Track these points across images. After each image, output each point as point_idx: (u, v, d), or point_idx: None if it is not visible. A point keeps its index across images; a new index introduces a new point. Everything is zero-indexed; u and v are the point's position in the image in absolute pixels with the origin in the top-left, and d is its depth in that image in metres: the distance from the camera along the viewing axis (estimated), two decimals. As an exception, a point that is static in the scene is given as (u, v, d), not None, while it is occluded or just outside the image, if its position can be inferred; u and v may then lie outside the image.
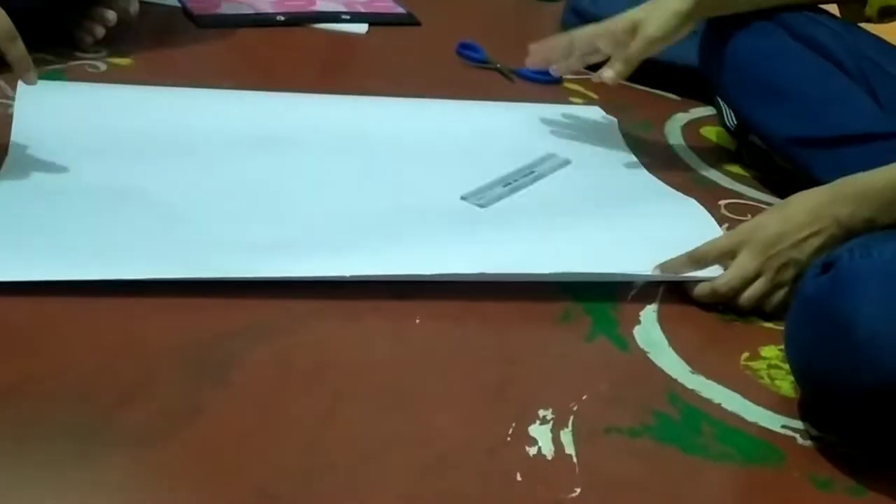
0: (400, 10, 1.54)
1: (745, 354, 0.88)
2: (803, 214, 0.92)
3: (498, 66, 1.40)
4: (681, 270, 0.93)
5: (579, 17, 1.45)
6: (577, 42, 1.17)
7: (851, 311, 0.71)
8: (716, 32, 1.20)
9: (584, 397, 0.79)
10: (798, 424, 0.80)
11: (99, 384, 0.71)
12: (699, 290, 0.92)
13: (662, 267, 0.94)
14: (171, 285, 0.80)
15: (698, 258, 0.93)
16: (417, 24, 1.52)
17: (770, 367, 0.86)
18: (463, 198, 1.04)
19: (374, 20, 1.49)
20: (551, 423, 0.76)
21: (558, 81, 1.36)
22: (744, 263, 0.91)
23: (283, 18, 1.44)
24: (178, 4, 1.41)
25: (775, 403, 0.82)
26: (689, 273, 0.93)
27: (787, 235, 0.91)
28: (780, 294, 0.92)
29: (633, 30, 1.12)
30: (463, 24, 1.53)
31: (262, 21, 1.42)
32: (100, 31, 1.23)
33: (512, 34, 1.53)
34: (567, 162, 1.14)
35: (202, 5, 1.43)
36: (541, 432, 0.75)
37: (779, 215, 0.93)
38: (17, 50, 0.93)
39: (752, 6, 1.16)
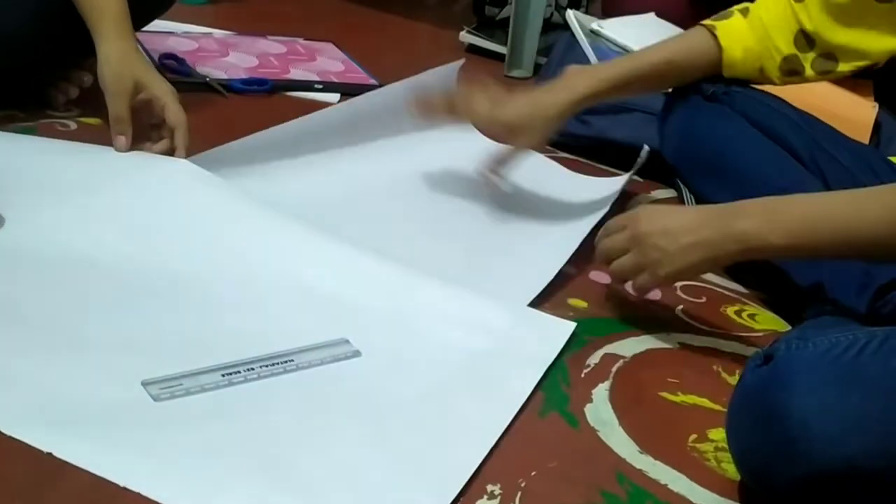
0: (372, 81, 1.57)
1: (693, 436, 0.89)
2: (693, 214, 0.99)
3: (206, 80, 1.44)
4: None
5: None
6: (458, 107, 1.17)
7: (785, 402, 0.73)
8: (674, 116, 1.24)
9: (532, 473, 0.80)
10: (742, 508, 0.81)
11: None
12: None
13: None
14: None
15: (603, 254, 1.04)
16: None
17: (717, 449, 0.87)
18: (144, 383, 0.80)
19: (346, 90, 1.52)
20: (499, 498, 0.77)
21: (270, 91, 1.45)
22: (622, 238, 1.01)
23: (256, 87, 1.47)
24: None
25: (721, 486, 0.83)
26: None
27: (668, 229, 0.97)
28: (643, 275, 0.99)
29: (510, 132, 1.15)
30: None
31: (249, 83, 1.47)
32: (74, 92, 1.25)
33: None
34: (355, 354, 0.90)
35: (174, 68, 1.45)
36: (487, 508, 0.75)
37: (672, 209, 1.02)
38: None
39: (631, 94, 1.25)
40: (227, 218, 1.04)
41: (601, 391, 0.93)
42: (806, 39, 1.18)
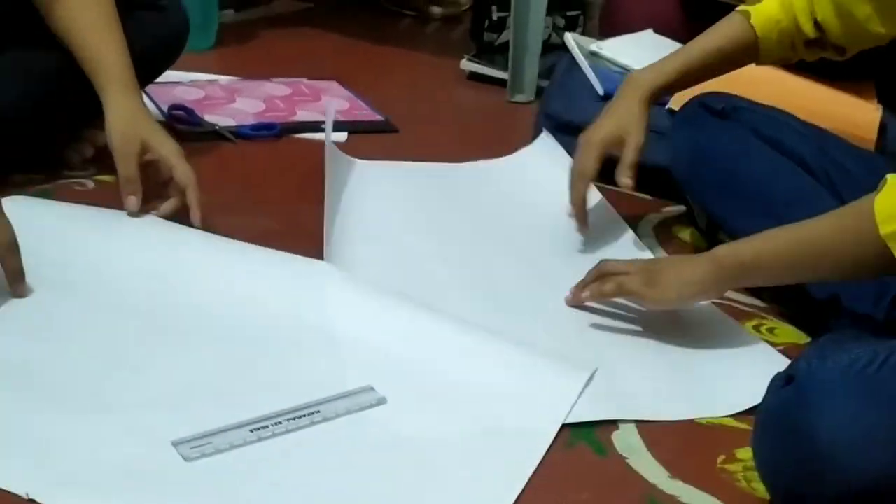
0: (378, 117, 1.59)
1: (722, 457, 0.90)
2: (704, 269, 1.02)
3: (216, 128, 1.45)
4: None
5: (552, 120, 1.50)
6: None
7: (810, 421, 0.75)
8: (683, 134, 1.25)
9: (564, 506, 0.81)
10: (775, 527, 0.82)
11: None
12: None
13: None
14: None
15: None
16: (395, 130, 1.57)
17: (746, 469, 0.88)
18: (175, 443, 0.82)
19: (353, 128, 1.53)
20: (533, 534, 0.78)
21: (278, 135, 1.47)
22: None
23: (278, 129, 1.48)
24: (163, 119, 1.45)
25: (752, 506, 0.84)
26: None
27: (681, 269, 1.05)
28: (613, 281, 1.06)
29: (620, 141, 1.20)
30: (439, 129, 1.58)
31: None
32: (88, 151, 1.28)
33: (491, 136, 1.58)
34: (380, 401, 0.90)
35: (182, 119, 1.46)
36: (523, 544, 0.76)
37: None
38: (15, 262, 0.97)
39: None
40: (246, 272, 1.06)
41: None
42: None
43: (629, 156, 1.20)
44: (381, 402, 0.91)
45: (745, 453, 0.90)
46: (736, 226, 1.19)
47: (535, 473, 0.85)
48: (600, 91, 1.51)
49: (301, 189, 1.32)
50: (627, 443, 0.90)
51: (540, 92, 1.75)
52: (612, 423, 0.93)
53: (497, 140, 1.53)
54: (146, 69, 1.28)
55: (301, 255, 1.11)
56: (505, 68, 1.79)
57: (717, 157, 1.23)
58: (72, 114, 1.24)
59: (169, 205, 1.13)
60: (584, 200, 1.22)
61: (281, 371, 0.93)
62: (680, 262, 1.08)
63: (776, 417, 0.79)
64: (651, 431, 0.92)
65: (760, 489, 0.85)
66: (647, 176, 1.36)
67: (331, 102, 1.43)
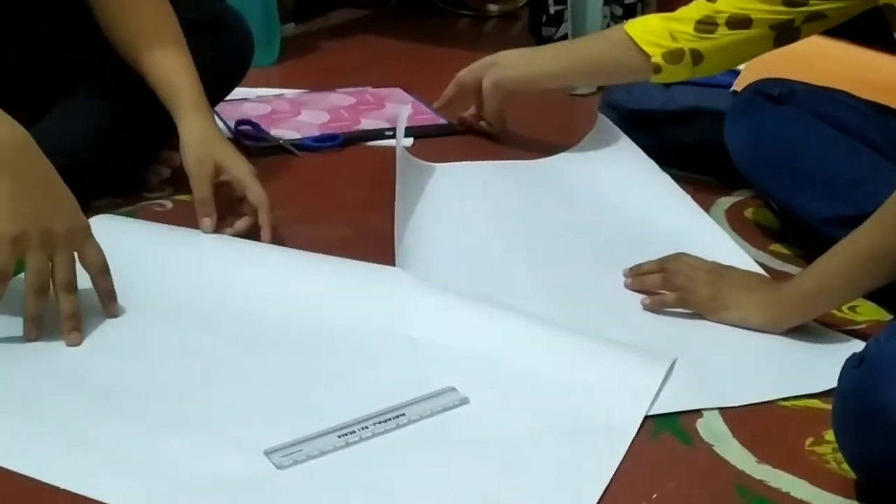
0: (442, 120, 1.60)
1: (810, 440, 0.89)
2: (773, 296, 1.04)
3: (280, 142, 1.47)
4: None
5: (614, 110, 1.50)
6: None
7: (882, 399, 0.74)
8: (741, 121, 1.24)
9: (654, 496, 0.82)
10: (868, 508, 0.81)
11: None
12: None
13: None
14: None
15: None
16: (460, 133, 1.58)
17: (835, 450, 0.87)
18: (267, 452, 0.84)
19: (419, 133, 1.53)
20: (624, 525, 0.78)
21: (341, 145, 1.50)
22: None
23: (341, 139, 1.51)
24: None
25: (844, 487, 0.83)
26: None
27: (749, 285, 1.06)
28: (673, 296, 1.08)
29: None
30: (507, 126, 1.58)
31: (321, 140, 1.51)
32: (165, 172, 1.32)
33: (556, 131, 1.58)
34: (463, 401, 0.92)
35: (250, 134, 1.49)
36: (615, 536, 0.77)
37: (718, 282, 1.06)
38: (107, 283, 1.00)
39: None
40: (325, 283, 1.08)
41: (711, 404, 0.94)
42: None
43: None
44: (464, 402, 0.92)
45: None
46: (802, 210, 1.18)
47: (622, 465, 0.85)
48: (662, 78, 1.50)
49: (369, 196, 1.34)
50: (712, 430, 0.90)
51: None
52: (696, 412, 0.93)
53: (562, 134, 1.54)
54: (216, 88, 1.31)
55: (374, 261, 1.14)
56: (565, 62, 1.79)
57: (777, 142, 1.21)
58: (148, 137, 1.28)
59: (242, 223, 1.17)
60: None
61: (365, 378, 0.95)
62: (747, 290, 1.05)
63: (850, 399, 0.78)
64: (736, 418, 0.92)
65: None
66: (714, 158, 1.36)
67: (404, 108, 1.44)
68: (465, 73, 1.50)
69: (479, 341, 0.99)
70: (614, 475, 0.84)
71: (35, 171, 0.94)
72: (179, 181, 1.27)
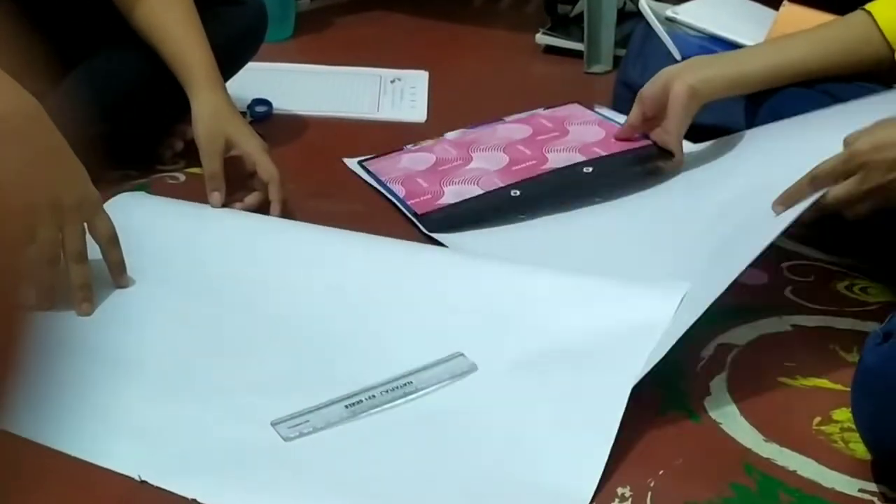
0: (645, 142, 1.26)
1: (818, 419, 0.90)
2: None
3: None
4: (802, 195, 0.97)
5: (629, 88, 1.49)
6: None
7: None
8: (760, 103, 1.23)
9: (660, 472, 0.82)
10: (876, 487, 0.81)
11: None
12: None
13: (784, 200, 0.98)
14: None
15: (818, 181, 0.97)
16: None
17: (843, 430, 0.88)
18: (274, 423, 0.84)
19: (630, 162, 1.24)
20: (630, 500, 0.79)
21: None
22: (857, 184, 0.95)
23: (517, 193, 1.21)
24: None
25: (851, 467, 0.84)
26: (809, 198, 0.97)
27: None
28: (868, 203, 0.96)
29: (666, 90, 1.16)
30: (519, 105, 1.58)
31: (498, 205, 1.21)
32: (179, 145, 1.32)
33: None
34: (472, 368, 0.91)
35: (424, 201, 1.22)
36: (620, 510, 0.77)
37: None
38: (117, 254, 1.01)
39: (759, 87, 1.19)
40: (335, 254, 1.08)
41: (719, 382, 0.94)
42: None
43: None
44: (472, 368, 0.91)
45: (842, 414, 0.89)
46: None
47: (629, 441, 0.86)
48: (678, 57, 1.49)
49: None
50: (720, 407, 0.90)
51: (617, 61, 1.73)
52: (705, 389, 0.93)
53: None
54: (228, 63, 1.31)
55: (389, 235, 1.14)
56: (580, 40, 1.78)
57: None
58: (161, 110, 1.28)
59: (252, 198, 1.17)
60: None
61: (374, 345, 0.95)
62: None
63: (874, 375, 0.78)
64: (744, 395, 0.92)
65: (860, 450, 0.84)
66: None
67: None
68: (647, 89, 1.21)
69: (489, 302, 0.98)
70: (622, 451, 0.84)
71: (46, 141, 0.94)
72: (192, 155, 1.27)
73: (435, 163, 1.30)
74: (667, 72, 1.20)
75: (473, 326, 0.95)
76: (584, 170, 1.24)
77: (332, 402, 0.87)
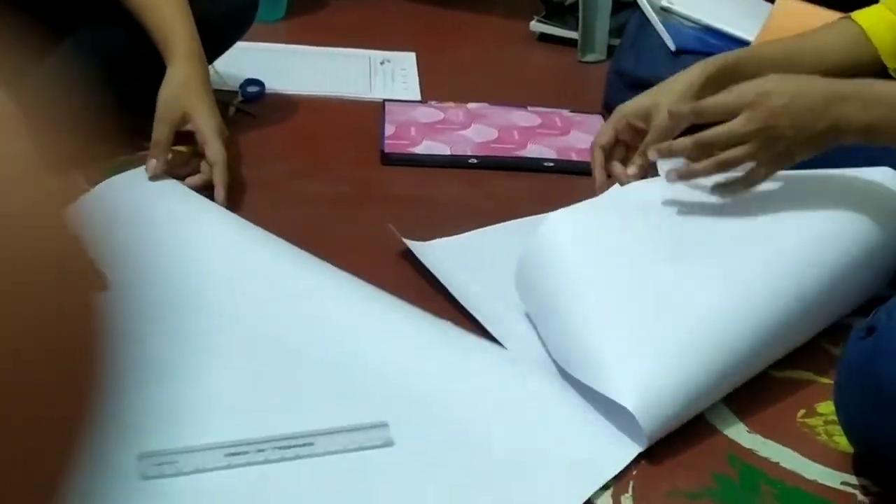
0: None
1: (802, 411, 0.89)
2: (817, 100, 0.92)
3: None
4: (681, 122, 0.98)
5: (623, 78, 1.49)
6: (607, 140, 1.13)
7: (892, 371, 0.73)
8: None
9: (643, 462, 0.81)
10: (857, 480, 0.81)
11: None
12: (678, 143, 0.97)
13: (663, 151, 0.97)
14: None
15: (700, 111, 0.96)
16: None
17: (827, 423, 0.87)
18: (140, 456, 0.74)
19: (585, 169, 1.19)
20: (611, 488, 0.78)
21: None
22: (740, 125, 0.93)
23: (474, 161, 1.31)
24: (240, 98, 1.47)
25: (834, 460, 0.83)
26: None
27: (794, 115, 0.91)
28: (760, 170, 0.94)
29: (646, 117, 1.09)
30: (511, 92, 1.57)
31: (453, 163, 1.31)
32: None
33: (563, 98, 1.56)
34: (387, 443, 0.79)
35: (399, 144, 1.34)
36: (602, 498, 0.77)
37: (793, 87, 0.93)
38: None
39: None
40: (295, 286, 0.98)
41: (704, 373, 0.93)
42: None
43: (647, 138, 1.07)
44: (388, 443, 0.79)
45: (826, 407, 0.89)
46: None
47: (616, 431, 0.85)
48: (672, 47, 1.49)
49: (370, 153, 1.33)
50: (705, 398, 0.90)
51: (611, 51, 1.73)
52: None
53: (569, 101, 1.52)
54: (217, 41, 1.30)
55: (370, 218, 1.13)
56: (575, 28, 1.77)
57: None
58: (148, 86, 1.27)
59: (196, 178, 1.17)
60: (600, 168, 1.11)
61: (297, 393, 0.84)
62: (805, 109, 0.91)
63: (857, 369, 0.77)
64: (729, 387, 0.91)
65: (842, 443, 0.84)
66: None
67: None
68: (629, 108, 1.12)
69: (431, 374, 0.86)
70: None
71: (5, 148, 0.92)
72: (180, 132, 1.26)
73: (438, 120, 1.41)
74: (648, 95, 1.13)
75: (413, 399, 0.83)
76: (545, 164, 1.32)
77: (213, 447, 0.76)
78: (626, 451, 0.80)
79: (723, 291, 0.89)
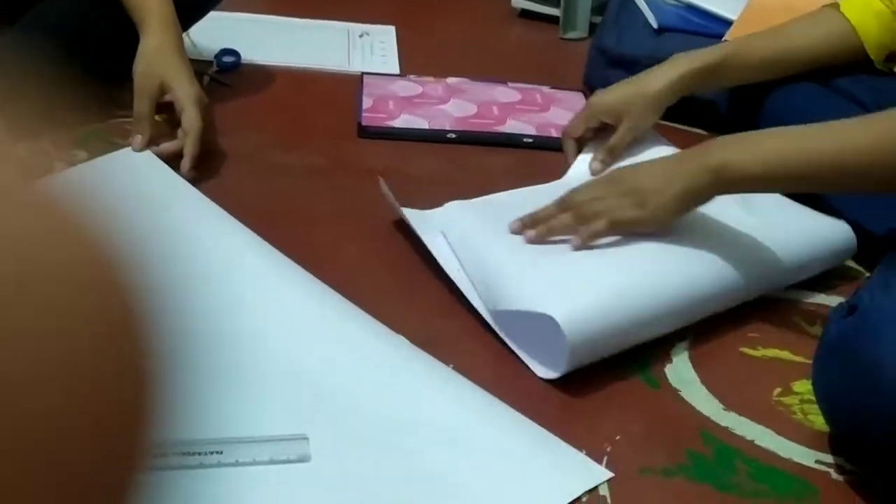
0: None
1: (778, 390, 0.89)
2: (670, 157, 0.98)
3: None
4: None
5: (604, 55, 1.48)
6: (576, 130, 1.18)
7: (873, 351, 0.72)
8: (764, 95, 1.22)
9: (617, 438, 0.81)
10: (832, 459, 0.81)
11: None
12: None
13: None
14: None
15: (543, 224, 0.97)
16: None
17: (803, 402, 0.87)
18: None
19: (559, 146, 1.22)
20: (585, 464, 0.77)
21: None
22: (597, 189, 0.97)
23: (453, 136, 1.30)
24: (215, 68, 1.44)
25: (809, 438, 0.83)
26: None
27: (644, 170, 0.96)
28: (601, 221, 0.94)
29: (617, 118, 1.13)
30: (491, 69, 1.55)
31: (431, 137, 1.29)
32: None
33: (543, 75, 1.55)
34: (302, 458, 0.73)
35: (376, 118, 1.32)
36: (575, 474, 0.76)
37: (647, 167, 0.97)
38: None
39: (737, 82, 1.19)
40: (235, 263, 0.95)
41: (680, 351, 0.93)
42: None
43: (614, 139, 1.13)
44: (303, 458, 0.72)
45: (802, 386, 0.88)
46: None
47: (588, 406, 0.84)
48: (654, 24, 1.48)
49: (342, 123, 1.31)
50: (681, 376, 0.89)
51: (593, 28, 1.71)
52: (666, 357, 0.91)
53: (550, 78, 1.51)
54: (191, 9, 1.28)
55: (346, 190, 1.11)
56: (557, 5, 1.76)
57: (784, 108, 1.18)
58: (119, 53, 1.24)
59: (169, 146, 1.14)
60: (572, 157, 1.17)
61: (210, 396, 0.79)
62: (663, 170, 0.94)
63: (837, 347, 0.77)
64: (704, 365, 0.91)
65: (818, 422, 0.84)
66: (703, 109, 1.33)
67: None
68: (602, 106, 1.15)
69: (372, 398, 0.80)
70: (581, 416, 0.82)
71: None
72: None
73: (417, 94, 1.40)
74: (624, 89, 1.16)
75: (340, 415, 0.77)
76: (525, 140, 1.31)
77: None
78: (572, 486, 0.74)
79: (640, 249, 0.94)
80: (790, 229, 1.04)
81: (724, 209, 0.99)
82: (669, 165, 0.95)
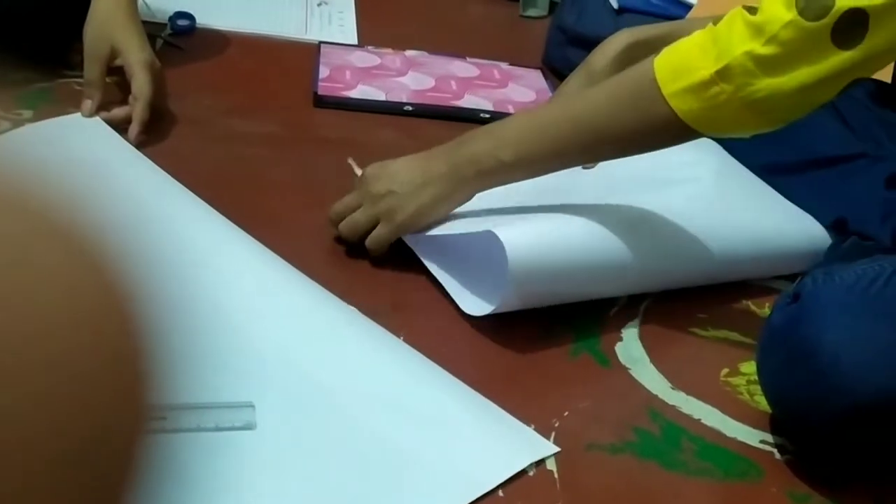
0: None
1: (725, 370, 0.89)
2: (421, 155, 0.93)
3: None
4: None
5: (564, 33, 1.47)
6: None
7: (814, 337, 0.73)
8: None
9: (565, 413, 0.81)
10: (775, 440, 0.81)
11: None
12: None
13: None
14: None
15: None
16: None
17: (749, 382, 0.88)
18: None
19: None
20: (533, 439, 0.77)
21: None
22: (351, 196, 0.95)
23: (409, 109, 1.29)
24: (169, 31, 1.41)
25: (754, 419, 0.84)
26: None
27: (397, 173, 0.92)
28: (379, 228, 0.93)
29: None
30: (449, 45, 1.54)
31: (388, 109, 1.28)
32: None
33: (502, 52, 1.54)
34: (246, 426, 0.72)
35: (333, 87, 1.30)
36: (523, 449, 0.76)
37: (400, 158, 0.94)
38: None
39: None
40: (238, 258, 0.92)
41: (631, 329, 0.93)
42: None
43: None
44: (249, 426, 0.72)
45: (750, 367, 0.89)
46: (743, 155, 1.15)
47: (536, 382, 0.84)
48: (615, 5, 1.48)
49: (302, 94, 1.29)
50: (630, 354, 0.90)
51: (553, 7, 1.71)
52: (617, 335, 0.92)
53: (509, 55, 1.50)
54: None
55: (301, 159, 1.10)
56: (518, -18, 1.75)
57: None
58: (68, 13, 1.21)
59: (119, 111, 1.12)
60: None
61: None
62: (408, 168, 0.92)
63: (781, 334, 0.78)
64: (654, 344, 0.91)
65: (763, 403, 0.84)
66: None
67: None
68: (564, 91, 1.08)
69: (323, 368, 0.79)
70: (530, 393, 0.82)
71: None
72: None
73: (374, 66, 1.39)
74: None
75: (291, 384, 0.77)
76: (482, 115, 1.29)
77: None
78: (517, 458, 0.74)
79: (595, 210, 0.92)
80: (761, 219, 1.03)
81: (696, 192, 0.99)
82: (421, 169, 0.91)
